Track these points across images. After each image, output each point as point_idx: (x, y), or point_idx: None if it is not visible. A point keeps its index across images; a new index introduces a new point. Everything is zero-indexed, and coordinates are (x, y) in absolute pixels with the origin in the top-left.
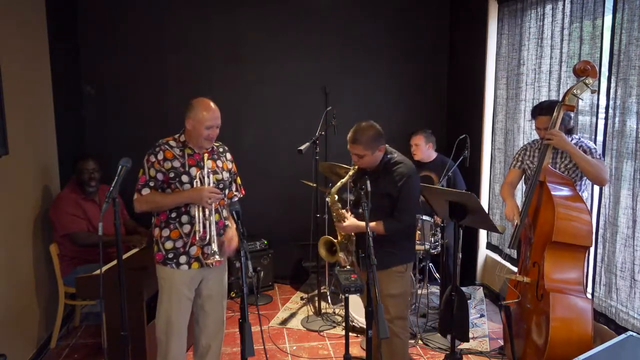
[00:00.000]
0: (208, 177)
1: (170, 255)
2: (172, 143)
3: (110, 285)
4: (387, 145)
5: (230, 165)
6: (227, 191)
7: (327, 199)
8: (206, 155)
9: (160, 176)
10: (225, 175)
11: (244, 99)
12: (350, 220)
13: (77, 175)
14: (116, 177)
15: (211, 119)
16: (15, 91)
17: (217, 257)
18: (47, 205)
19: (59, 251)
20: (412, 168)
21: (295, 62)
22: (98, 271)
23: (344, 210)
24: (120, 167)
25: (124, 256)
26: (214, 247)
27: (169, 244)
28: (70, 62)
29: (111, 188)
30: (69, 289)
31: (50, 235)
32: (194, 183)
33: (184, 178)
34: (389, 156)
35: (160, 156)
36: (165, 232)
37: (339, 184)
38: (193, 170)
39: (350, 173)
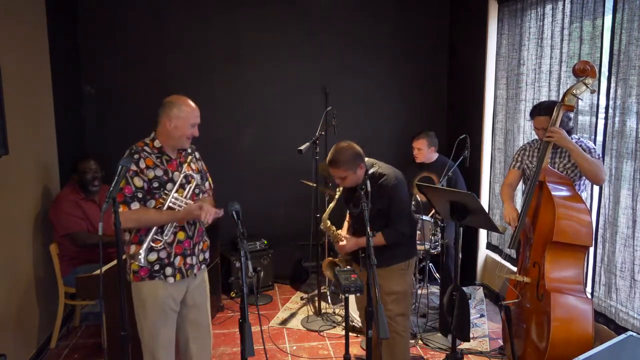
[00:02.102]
0: (187, 184)
1: (157, 267)
2: (148, 149)
3: (110, 285)
4: (367, 159)
5: (200, 164)
6: (201, 194)
7: (320, 227)
8: (185, 163)
9: (145, 186)
10: (198, 177)
11: (244, 99)
12: (349, 240)
13: (78, 175)
14: (116, 177)
15: (196, 116)
16: (15, 91)
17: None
18: (47, 205)
19: (59, 251)
20: (395, 176)
21: (295, 62)
22: (98, 271)
23: (339, 231)
24: (120, 167)
25: (124, 256)
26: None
27: (152, 256)
28: (70, 62)
29: (111, 188)
30: (69, 289)
31: (50, 235)
32: (175, 191)
33: (169, 187)
34: (371, 171)
35: (142, 164)
36: (148, 245)
37: (328, 210)
38: (176, 177)
39: (337, 196)
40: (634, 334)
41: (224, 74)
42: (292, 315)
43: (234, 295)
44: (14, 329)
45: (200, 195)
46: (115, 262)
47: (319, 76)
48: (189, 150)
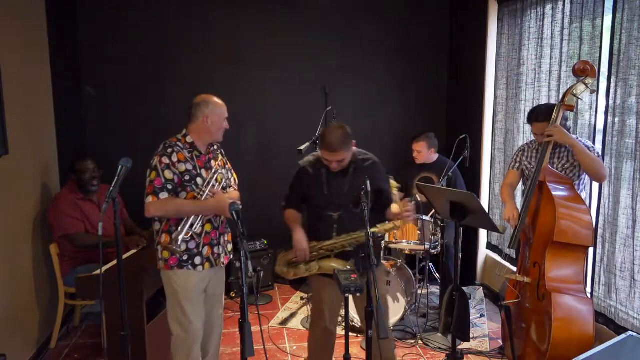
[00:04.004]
0: (215, 179)
1: (185, 257)
2: (180, 145)
3: (110, 285)
4: None
5: (225, 160)
6: (229, 189)
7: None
8: (213, 159)
9: (177, 178)
10: (224, 172)
11: (244, 98)
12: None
13: (77, 175)
14: (116, 177)
15: (226, 110)
16: (15, 91)
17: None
18: (47, 205)
19: (59, 251)
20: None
21: (295, 62)
22: (98, 271)
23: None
24: (120, 167)
25: (124, 256)
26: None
27: (182, 246)
28: (70, 62)
29: (111, 188)
30: (69, 289)
31: (50, 235)
32: (205, 186)
33: (199, 180)
34: (360, 157)
35: (174, 158)
36: (185, 231)
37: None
38: (204, 172)
39: None
40: (634, 334)
41: (224, 74)
42: (292, 315)
43: (233, 295)
44: (14, 329)
45: (228, 189)
46: (115, 262)
47: (318, 76)
48: (215, 147)
